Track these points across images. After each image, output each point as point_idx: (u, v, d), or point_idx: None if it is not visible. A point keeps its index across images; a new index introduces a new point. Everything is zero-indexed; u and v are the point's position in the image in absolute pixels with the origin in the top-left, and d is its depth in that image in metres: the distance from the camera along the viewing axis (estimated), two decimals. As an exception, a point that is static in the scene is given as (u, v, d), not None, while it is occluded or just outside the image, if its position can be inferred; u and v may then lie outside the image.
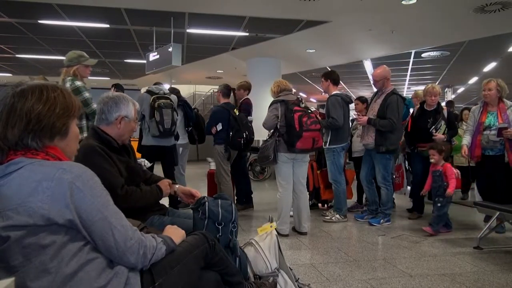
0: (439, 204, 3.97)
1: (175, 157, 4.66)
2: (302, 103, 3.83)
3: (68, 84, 3.32)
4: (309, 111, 3.80)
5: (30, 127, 1.14)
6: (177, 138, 4.69)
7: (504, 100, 4.04)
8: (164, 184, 2.19)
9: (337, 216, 4.55)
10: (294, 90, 4.13)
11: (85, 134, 3.37)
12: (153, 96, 4.40)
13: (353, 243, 3.70)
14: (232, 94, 5.16)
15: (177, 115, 4.64)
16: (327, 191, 5.02)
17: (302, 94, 17.24)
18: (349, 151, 5.30)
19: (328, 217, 4.56)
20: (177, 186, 2.27)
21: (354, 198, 5.33)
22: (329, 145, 4.45)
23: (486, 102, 4.10)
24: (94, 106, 3.32)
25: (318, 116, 3.92)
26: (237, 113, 4.82)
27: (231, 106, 4.94)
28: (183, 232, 1.52)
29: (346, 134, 4.57)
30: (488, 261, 3.00)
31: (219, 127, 4.75)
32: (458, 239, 3.83)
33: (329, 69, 11.34)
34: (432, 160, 4.11)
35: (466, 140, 4.17)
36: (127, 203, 1.88)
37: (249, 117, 5.01)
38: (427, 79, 12.77)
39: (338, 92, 4.54)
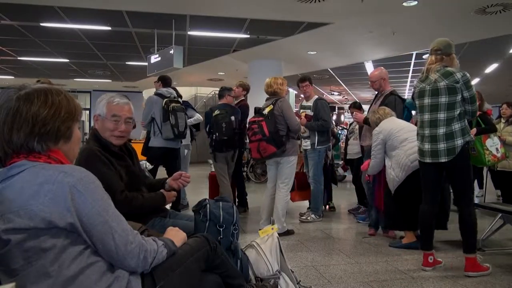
0: None
1: (179, 161, 4.70)
2: (261, 111, 3.88)
3: (459, 75, 2.82)
4: (255, 121, 3.82)
5: (36, 131, 1.14)
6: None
7: None
8: (169, 195, 2.22)
9: (313, 216, 4.61)
10: (289, 89, 4.17)
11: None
12: (165, 100, 4.44)
13: (355, 245, 3.69)
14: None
15: (187, 118, 4.68)
16: (298, 192, 4.93)
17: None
18: (344, 154, 5.46)
19: (304, 217, 4.61)
20: (167, 181, 2.29)
21: (336, 201, 5.44)
22: (316, 146, 4.56)
23: None
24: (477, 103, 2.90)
25: (262, 123, 3.78)
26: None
27: (220, 107, 4.67)
28: (184, 234, 1.52)
29: (330, 136, 4.85)
30: (490, 263, 2.98)
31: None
32: (460, 241, 3.79)
33: (331, 71, 11.41)
34: None
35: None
36: (126, 209, 1.89)
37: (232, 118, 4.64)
38: (429, 80, 12.73)
39: (320, 96, 4.82)
